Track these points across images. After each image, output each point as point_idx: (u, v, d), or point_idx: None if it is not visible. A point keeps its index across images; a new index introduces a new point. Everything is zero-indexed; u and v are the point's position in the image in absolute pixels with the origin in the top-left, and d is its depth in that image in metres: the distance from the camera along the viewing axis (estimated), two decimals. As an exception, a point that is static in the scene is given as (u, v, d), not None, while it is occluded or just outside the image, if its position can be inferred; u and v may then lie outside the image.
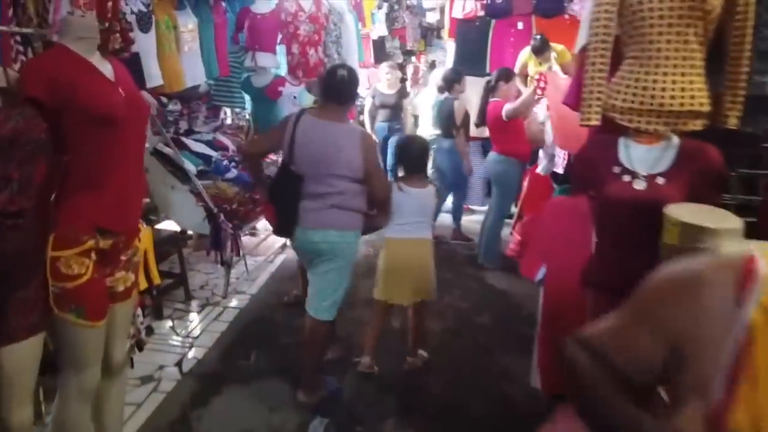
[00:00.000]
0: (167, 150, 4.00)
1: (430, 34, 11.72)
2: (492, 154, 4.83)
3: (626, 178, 1.98)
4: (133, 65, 3.15)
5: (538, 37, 5.04)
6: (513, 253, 5.25)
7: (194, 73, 3.92)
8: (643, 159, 1.99)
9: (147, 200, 3.95)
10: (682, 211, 1.78)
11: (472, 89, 5.54)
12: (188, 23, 3.83)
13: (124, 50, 2.79)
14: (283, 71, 5.16)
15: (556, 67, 4.88)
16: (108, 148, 1.87)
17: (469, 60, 5.87)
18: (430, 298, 3.19)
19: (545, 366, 2.36)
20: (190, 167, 4.01)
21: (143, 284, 3.08)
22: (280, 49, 5.04)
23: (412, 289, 3.09)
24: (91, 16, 2.56)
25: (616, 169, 2.01)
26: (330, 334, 2.97)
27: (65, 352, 1.93)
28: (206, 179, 4.15)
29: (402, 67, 9.82)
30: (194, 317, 3.86)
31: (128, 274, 2.07)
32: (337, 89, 2.65)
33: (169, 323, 3.75)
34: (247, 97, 5.08)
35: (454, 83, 5.11)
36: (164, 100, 4.30)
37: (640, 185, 1.96)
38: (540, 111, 4.32)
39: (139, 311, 3.03)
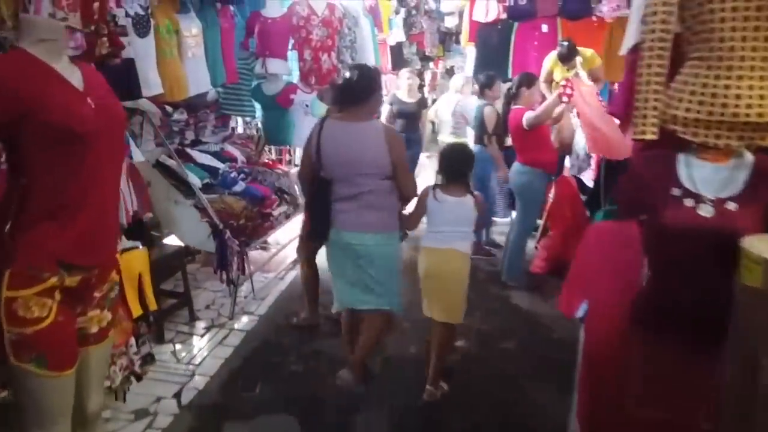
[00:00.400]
0: (170, 162, 3.73)
1: (448, 40, 11.39)
2: (515, 165, 4.46)
3: (689, 202, 1.63)
4: (127, 72, 2.88)
5: (565, 43, 4.67)
6: (538, 269, 4.91)
7: (198, 81, 3.64)
8: (710, 180, 1.64)
9: (150, 215, 3.68)
10: (765, 246, 1.43)
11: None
12: (192, 28, 3.55)
13: (114, 56, 2.51)
14: (294, 78, 4.88)
15: (582, 73, 4.51)
16: (75, 167, 1.57)
17: (491, 65, 5.50)
18: (455, 321, 2.90)
19: (587, 417, 2.01)
20: (195, 180, 3.73)
21: (138, 311, 2.81)
22: (292, 55, 4.76)
23: (439, 303, 2.86)
24: (75, 18, 2.29)
25: (676, 192, 1.66)
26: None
27: (27, 406, 1.63)
28: (212, 193, 3.86)
29: (420, 74, 9.51)
30: (197, 341, 3.56)
31: (103, 313, 1.76)
32: (349, 90, 2.63)
33: (171, 348, 3.45)
34: (257, 106, 4.80)
35: (484, 88, 4.82)
36: (169, 109, 4.03)
37: (706, 211, 1.61)
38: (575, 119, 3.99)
39: (133, 341, 2.75)
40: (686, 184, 1.65)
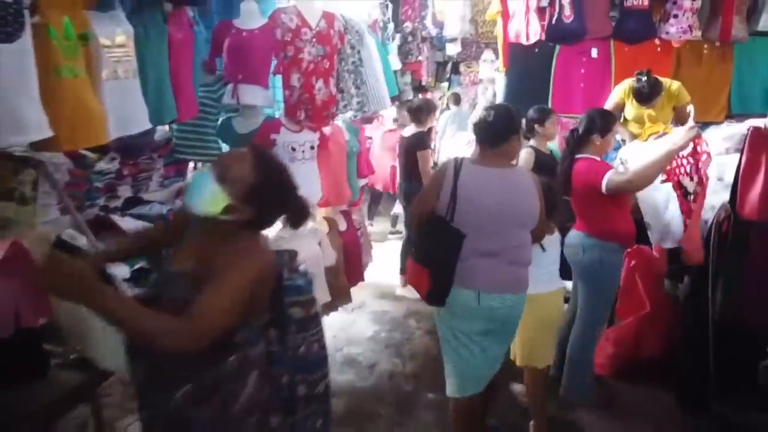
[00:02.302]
0: (81, 242, 2.30)
1: (441, 69, 10.23)
2: (577, 235, 3.12)
3: None
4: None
5: (644, 78, 3.40)
6: (601, 370, 3.55)
7: (129, 116, 2.23)
8: None
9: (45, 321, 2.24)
10: None
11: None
12: (115, 34, 2.15)
13: None
14: (277, 112, 3.50)
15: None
16: None
17: (525, 98, 4.20)
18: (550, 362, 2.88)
19: None
20: (118, 269, 2.31)
21: None
22: (275, 81, 3.39)
23: (540, 347, 2.79)
24: None
25: None
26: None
27: None
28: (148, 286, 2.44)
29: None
30: None
31: None
32: (485, 131, 2.39)
33: None
34: (226, 148, 3.39)
35: (533, 124, 3.71)
36: (89, 155, 2.60)
37: None
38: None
39: None
40: None
